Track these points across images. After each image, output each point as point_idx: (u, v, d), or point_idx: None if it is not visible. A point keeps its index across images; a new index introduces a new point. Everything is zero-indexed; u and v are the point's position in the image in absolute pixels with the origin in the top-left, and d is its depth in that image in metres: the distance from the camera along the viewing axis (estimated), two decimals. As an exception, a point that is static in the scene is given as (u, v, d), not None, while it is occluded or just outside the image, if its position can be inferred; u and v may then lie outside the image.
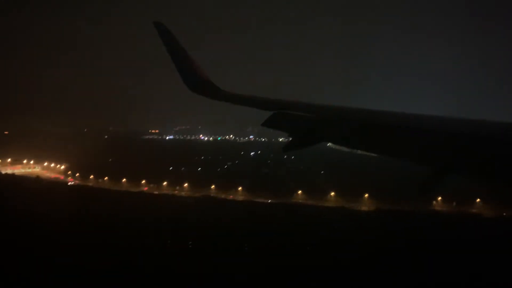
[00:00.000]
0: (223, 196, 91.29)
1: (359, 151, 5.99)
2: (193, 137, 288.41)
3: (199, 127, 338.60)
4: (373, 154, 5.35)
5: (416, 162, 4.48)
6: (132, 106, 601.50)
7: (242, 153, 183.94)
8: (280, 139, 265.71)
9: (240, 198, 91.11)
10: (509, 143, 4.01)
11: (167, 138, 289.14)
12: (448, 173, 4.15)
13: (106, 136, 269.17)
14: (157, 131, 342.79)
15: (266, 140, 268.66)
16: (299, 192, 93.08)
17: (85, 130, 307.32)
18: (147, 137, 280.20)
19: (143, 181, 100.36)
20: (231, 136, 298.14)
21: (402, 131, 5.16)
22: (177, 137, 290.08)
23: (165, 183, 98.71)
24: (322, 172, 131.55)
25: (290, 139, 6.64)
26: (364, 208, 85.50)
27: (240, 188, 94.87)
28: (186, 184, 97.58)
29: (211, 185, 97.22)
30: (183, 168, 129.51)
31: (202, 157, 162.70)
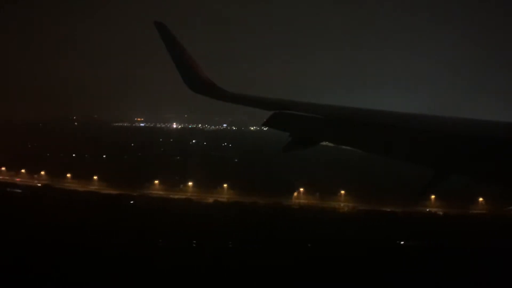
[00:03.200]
0: (71, 186, 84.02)
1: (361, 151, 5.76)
2: (163, 125, 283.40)
3: (185, 115, 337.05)
4: (376, 155, 5.29)
5: (417, 163, 4.46)
6: (125, 95, 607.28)
7: (193, 141, 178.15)
8: (252, 128, 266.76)
9: (89, 188, 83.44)
10: (509, 143, 3.90)
11: (138, 125, 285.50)
12: (449, 173, 4.22)
13: (76, 123, 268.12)
14: (142, 119, 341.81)
15: (236, 129, 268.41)
16: (156, 182, 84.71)
17: (74, 117, 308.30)
18: (117, 124, 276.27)
19: (3, 168, 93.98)
20: (205, 124, 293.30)
21: (403, 131, 5.08)
22: (148, 125, 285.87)
23: (23, 170, 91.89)
24: (236, 160, 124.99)
25: (290, 139, 6.63)
26: (210, 200, 76.45)
27: (95, 177, 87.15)
28: (43, 172, 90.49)
29: (77, 174, 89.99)
30: (86, 155, 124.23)
31: (132, 145, 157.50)
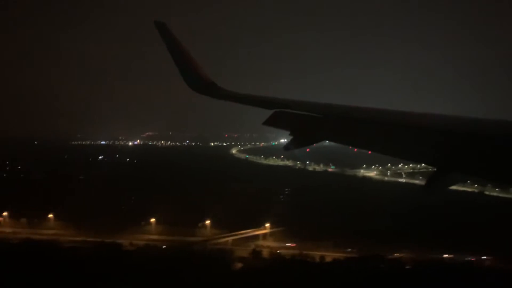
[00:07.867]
0: None
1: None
2: (123, 142, 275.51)
3: (170, 133, 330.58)
4: (375, 153, 5.37)
5: (417, 160, 4.57)
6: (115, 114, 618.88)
7: (100, 157, 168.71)
8: (212, 144, 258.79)
9: None
10: (508, 141, 3.94)
11: (100, 143, 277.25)
12: (449, 171, 4.21)
13: (35, 142, 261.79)
14: (121, 137, 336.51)
15: (194, 144, 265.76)
16: None
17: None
18: (76, 142, 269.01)
19: None
20: (168, 141, 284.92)
21: (401, 129, 5.09)
22: (109, 143, 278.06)
23: None
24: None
25: (291, 138, 6.63)
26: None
27: None
28: None
29: None
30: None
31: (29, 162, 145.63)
